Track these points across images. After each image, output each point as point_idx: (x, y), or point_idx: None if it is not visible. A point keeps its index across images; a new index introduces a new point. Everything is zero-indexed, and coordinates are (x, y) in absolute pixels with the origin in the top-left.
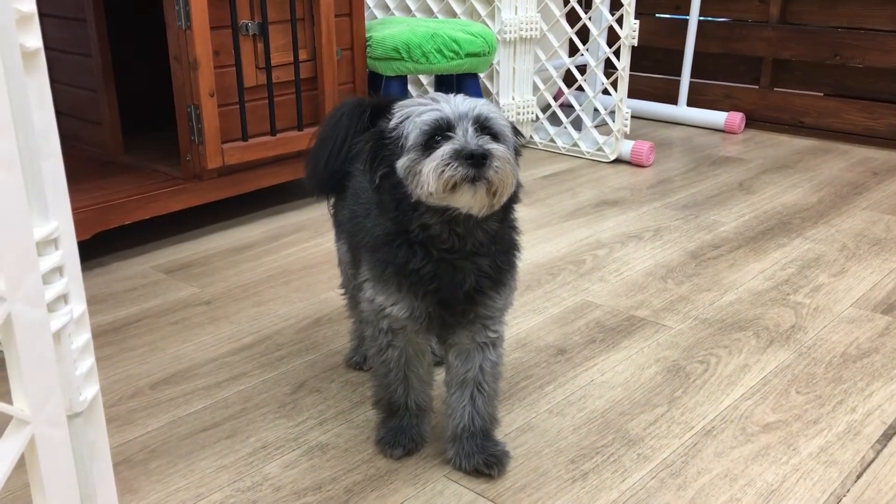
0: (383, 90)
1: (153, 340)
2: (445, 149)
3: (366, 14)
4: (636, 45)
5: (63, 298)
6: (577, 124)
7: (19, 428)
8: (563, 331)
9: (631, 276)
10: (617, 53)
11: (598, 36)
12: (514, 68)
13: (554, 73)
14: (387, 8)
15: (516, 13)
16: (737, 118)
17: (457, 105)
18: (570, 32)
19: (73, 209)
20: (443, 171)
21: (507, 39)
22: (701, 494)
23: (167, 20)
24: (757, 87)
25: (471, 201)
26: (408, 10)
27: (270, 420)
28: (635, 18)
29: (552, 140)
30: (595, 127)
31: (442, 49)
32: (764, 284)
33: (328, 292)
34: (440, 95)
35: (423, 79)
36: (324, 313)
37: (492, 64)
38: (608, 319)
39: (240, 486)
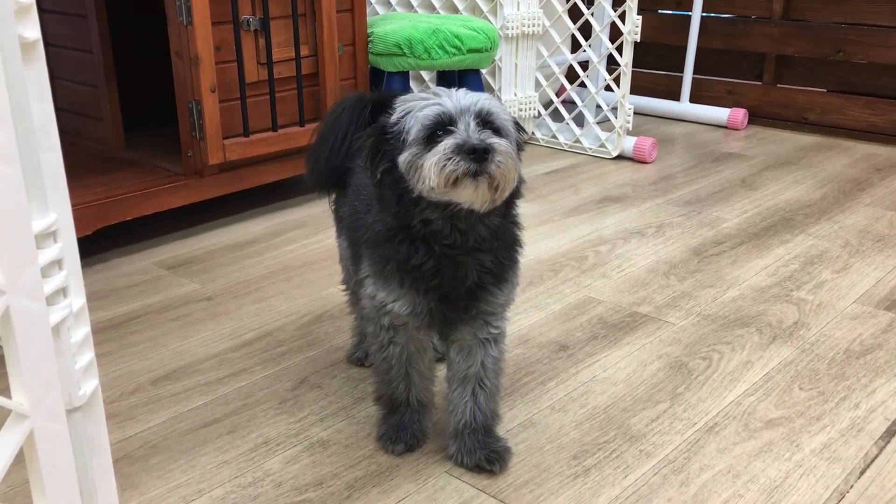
0: (385, 86)
1: (154, 336)
2: (447, 143)
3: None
4: (639, 41)
5: (62, 292)
6: (580, 121)
7: (18, 422)
8: (565, 327)
9: (633, 272)
10: (619, 49)
11: (600, 32)
12: (516, 64)
13: (556, 70)
14: (388, 3)
15: (518, 9)
16: (739, 114)
17: (458, 99)
18: (573, 28)
19: (74, 205)
20: (444, 166)
21: (510, 35)
22: (703, 490)
23: (168, 15)
24: (760, 83)
25: (472, 196)
26: (409, 6)
27: (271, 416)
28: (638, 14)
29: (554, 136)
30: (597, 123)
31: (444, 45)
32: (767, 281)
33: (329, 288)
34: (442, 90)
35: (425, 74)
36: (325, 309)
37: (494, 60)
38: (610, 316)
39: (241, 482)
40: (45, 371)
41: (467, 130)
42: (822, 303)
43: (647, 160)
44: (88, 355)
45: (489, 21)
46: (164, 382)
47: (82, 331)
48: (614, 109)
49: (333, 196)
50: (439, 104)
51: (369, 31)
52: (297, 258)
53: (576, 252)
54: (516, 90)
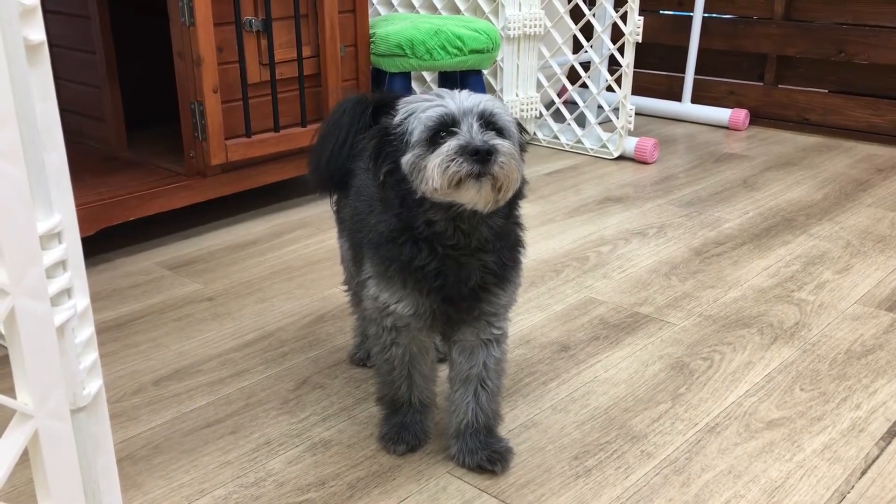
0: (387, 87)
1: (157, 337)
2: (450, 144)
3: (370, 10)
4: (640, 41)
5: (67, 293)
6: (581, 121)
7: (23, 422)
8: (566, 327)
9: (635, 272)
10: (621, 50)
11: (601, 33)
12: (517, 65)
13: (558, 70)
14: (391, 4)
15: (520, 10)
16: (741, 115)
17: (461, 100)
18: (574, 29)
19: (78, 205)
20: (448, 167)
21: (511, 36)
22: (704, 491)
23: (171, 17)
24: (761, 83)
25: (476, 197)
26: (411, 7)
27: (273, 416)
28: (639, 15)
29: (556, 137)
30: (599, 124)
31: (445, 45)
32: (768, 281)
33: (332, 289)
34: (445, 91)
35: (427, 75)
36: (327, 310)
37: (495, 60)
38: (612, 316)
39: (243, 482)
40: (50, 371)
41: (470, 132)
42: (824, 303)
43: (649, 161)
44: (93, 355)
45: (491, 22)
46: (167, 383)
47: (86, 331)
48: (616, 110)
49: (335, 197)
50: (442, 105)
51: (371, 31)
52: (299, 258)
53: (577, 252)
54: (518, 91)
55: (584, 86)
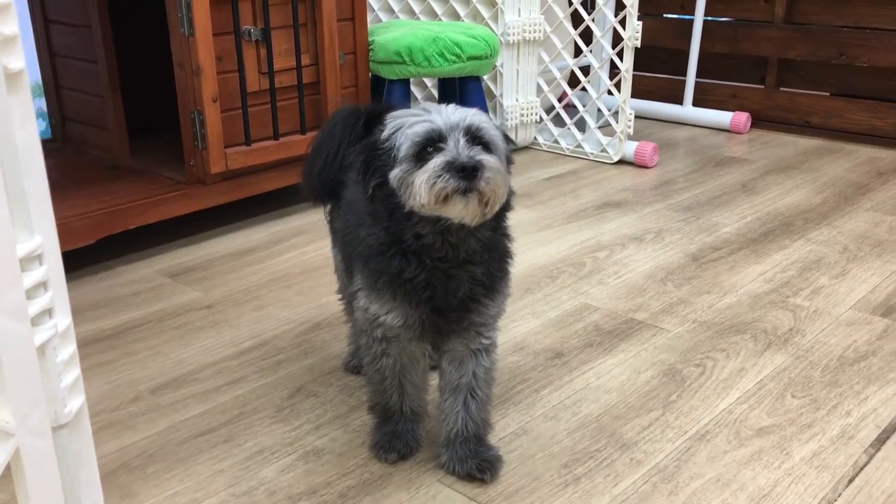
0: (386, 94)
1: (155, 345)
2: (437, 161)
3: (371, 17)
4: (639, 46)
5: (48, 312)
6: (582, 126)
7: (4, 440)
8: (560, 334)
9: (630, 278)
10: (620, 55)
11: (601, 37)
12: (517, 70)
13: (557, 75)
14: (391, 10)
15: (519, 15)
16: (742, 118)
17: (448, 116)
18: (574, 34)
19: (79, 214)
20: (434, 183)
21: (511, 41)
22: (692, 499)
23: (170, 27)
24: (763, 87)
25: (463, 212)
26: (412, 13)
27: (267, 424)
28: (639, 19)
29: (556, 141)
30: (599, 128)
31: (444, 52)
32: (763, 287)
33: (328, 296)
34: (432, 106)
35: (427, 81)
36: (323, 317)
37: (494, 66)
38: (606, 323)
39: (235, 491)
40: (31, 390)
41: (457, 147)
42: (818, 309)
43: (649, 165)
44: (74, 373)
45: (490, 28)
46: (164, 391)
47: (68, 350)
48: (616, 114)
49: (328, 207)
50: (429, 121)
51: (370, 39)
52: (296, 266)
53: (574, 258)
54: (518, 96)
55: (584, 90)
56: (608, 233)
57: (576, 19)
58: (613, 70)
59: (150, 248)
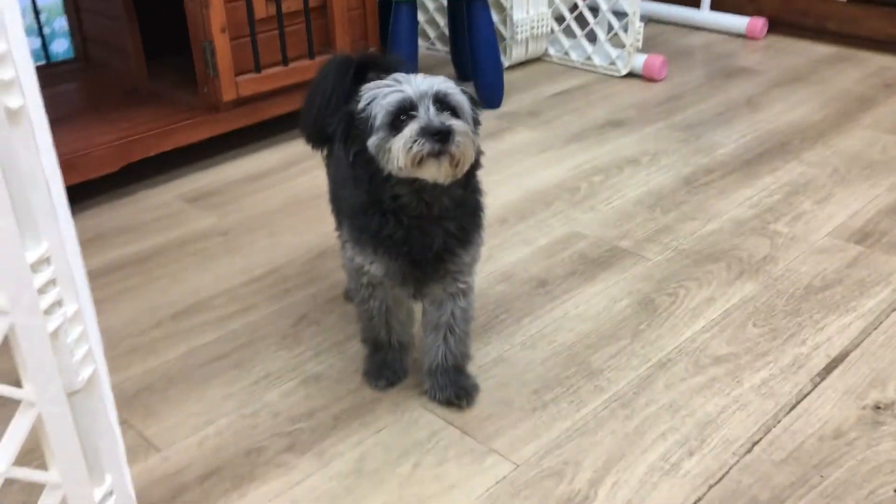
0: (392, 16)
1: (175, 271)
2: (412, 127)
3: None
4: None
5: (58, 303)
6: (593, 38)
7: (28, 408)
8: (547, 262)
9: (621, 204)
10: None
11: None
12: None
13: None
14: None
15: None
16: (759, 23)
17: (418, 85)
18: None
19: (102, 144)
20: (411, 148)
21: None
22: (644, 424)
23: None
24: None
25: (437, 173)
26: None
27: (273, 351)
28: None
29: (566, 53)
30: (609, 40)
31: None
32: (748, 213)
33: (332, 224)
34: (402, 76)
35: (430, 3)
36: (328, 245)
37: None
38: (591, 251)
39: (243, 413)
40: (47, 368)
41: (428, 114)
42: (796, 236)
43: (657, 78)
44: (84, 347)
45: None
46: (182, 317)
47: (77, 329)
48: (627, 26)
49: (325, 152)
50: (401, 91)
51: None
52: (307, 190)
53: (570, 182)
54: (528, 8)
55: (594, 1)
56: (607, 154)
57: None
58: None
59: (171, 171)
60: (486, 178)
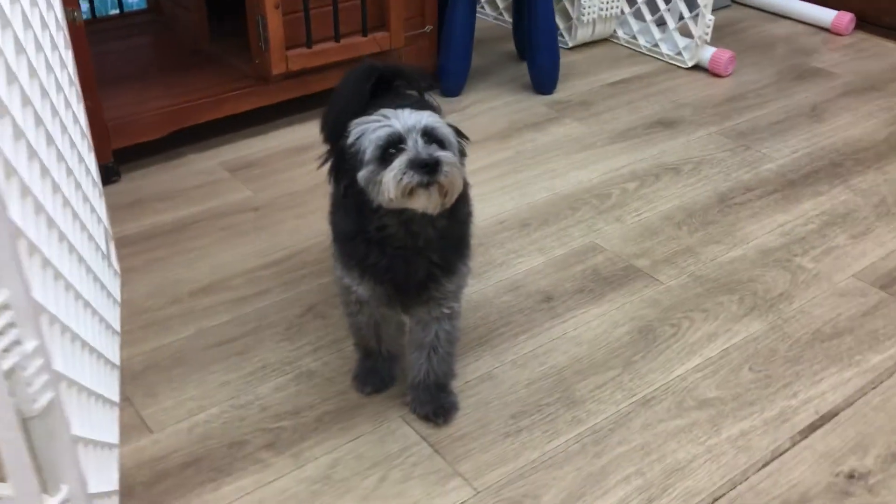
0: (449, 7)
1: (203, 246)
2: (402, 159)
3: None
4: None
5: (17, 342)
6: (663, 23)
7: None
8: (558, 276)
9: (649, 217)
10: None
11: None
12: None
13: None
14: None
15: None
16: (845, 19)
17: (405, 119)
18: None
19: (152, 109)
20: (401, 179)
21: None
22: (611, 464)
23: None
24: None
25: (426, 203)
26: None
27: (276, 341)
28: None
29: (634, 38)
30: (680, 29)
31: None
32: (777, 241)
33: None
34: (389, 112)
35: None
36: None
37: None
38: (606, 267)
39: (234, 403)
40: (2, 398)
41: (416, 147)
42: (819, 273)
43: (723, 74)
44: (43, 378)
45: None
46: (200, 296)
47: (36, 363)
48: (698, 16)
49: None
50: (389, 125)
51: None
52: None
53: (603, 188)
54: None
55: None
56: (649, 159)
57: None
58: None
59: (219, 135)
60: (518, 176)
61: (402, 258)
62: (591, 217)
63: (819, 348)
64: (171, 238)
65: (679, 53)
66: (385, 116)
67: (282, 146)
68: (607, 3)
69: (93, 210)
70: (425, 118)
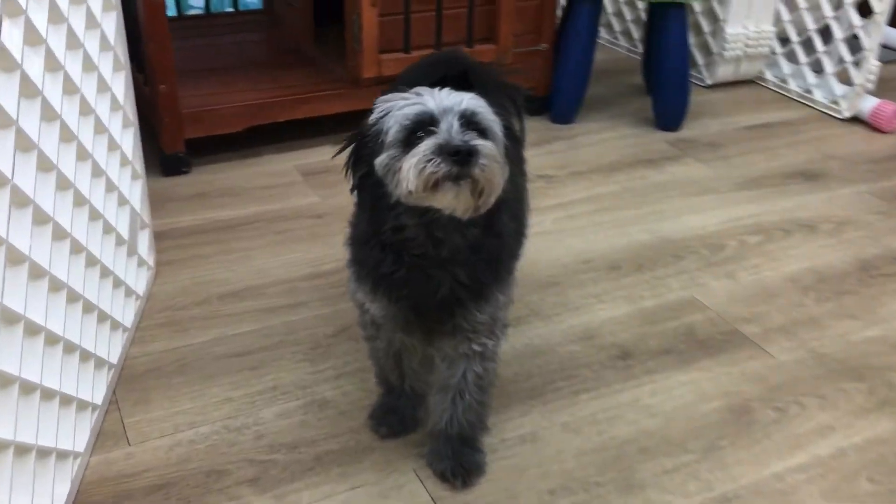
0: (571, 16)
1: (252, 248)
2: (428, 143)
3: None
4: None
5: None
6: (819, 68)
7: None
8: (642, 330)
9: (769, 277)
10: None
11: None
12: None
13: (803, 3)
14: None
15: None
16: None
17: (441, 98)
18: None
19: (233, 102)
20: (424, 168)
21: None
22: None
23: None
24: None
25: (454, 201)
26: None
27: (296, 361)
28: None
29: (784, 81)
30: (838, 74)
31: None
32: None
33: None
34: (424, 89)
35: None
36: None
37: None
38: (704, 328)
39: (229, 425)
40: None
41: (450, 130)
42: None
43: (885, 129)
44: None
45: None
46: (231, 300)
47: None
48: (861, 62)
49: None
50: (420, 103)
51: None
52: None
53: (717, 237)
54: (748, 23)
55: (826, 26)
56: (779, 212)
57: None
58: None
59: (303, 138)
60: (618, 213)
61: (422, 270)
62: (696, 268)
63: None
64: (221, 235)
65: (835, 102)
66: (418, 94)
67: None
68: (756, 39)
69: (120, 196)
70: (467, 100)
